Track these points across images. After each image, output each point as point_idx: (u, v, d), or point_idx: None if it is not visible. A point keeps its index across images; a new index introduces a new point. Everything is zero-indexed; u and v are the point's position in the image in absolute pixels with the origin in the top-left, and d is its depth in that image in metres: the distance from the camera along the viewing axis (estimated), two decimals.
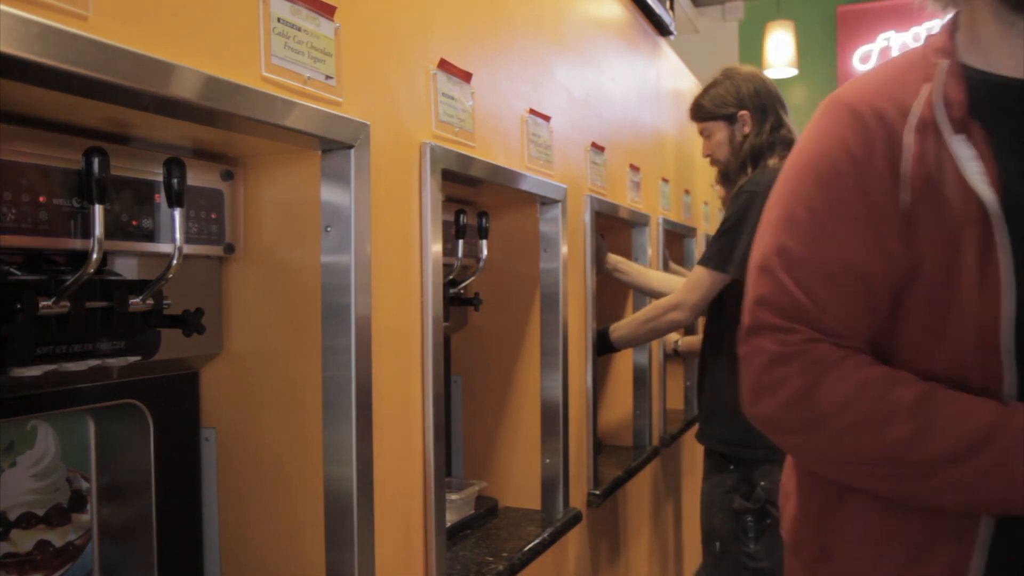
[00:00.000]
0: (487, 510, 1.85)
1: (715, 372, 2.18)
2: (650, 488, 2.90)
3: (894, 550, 0.98)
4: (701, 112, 2.25)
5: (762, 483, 2.06)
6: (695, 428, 2.28)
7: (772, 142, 2.14)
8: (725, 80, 2.22)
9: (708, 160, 2.29)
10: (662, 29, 3.10)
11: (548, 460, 1.94)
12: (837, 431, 0.92)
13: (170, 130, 1.02)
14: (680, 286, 2.15)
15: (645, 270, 2.49)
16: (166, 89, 0.86)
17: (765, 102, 2.17)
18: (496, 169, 1.60)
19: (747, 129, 2.16)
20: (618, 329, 2.25)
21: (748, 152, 2.14)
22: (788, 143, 2.15)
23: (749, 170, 2.13)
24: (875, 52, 5.50)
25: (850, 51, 5.56)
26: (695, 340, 2.94)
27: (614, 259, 2.41)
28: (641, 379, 2.76)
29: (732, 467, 2.11)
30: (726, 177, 2.21)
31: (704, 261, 2.08)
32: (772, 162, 2.13)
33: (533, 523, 1.85)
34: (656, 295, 2.36)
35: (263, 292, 1.22)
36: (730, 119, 2.18)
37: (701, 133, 2.27)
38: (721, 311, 2.13)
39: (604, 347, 2.26)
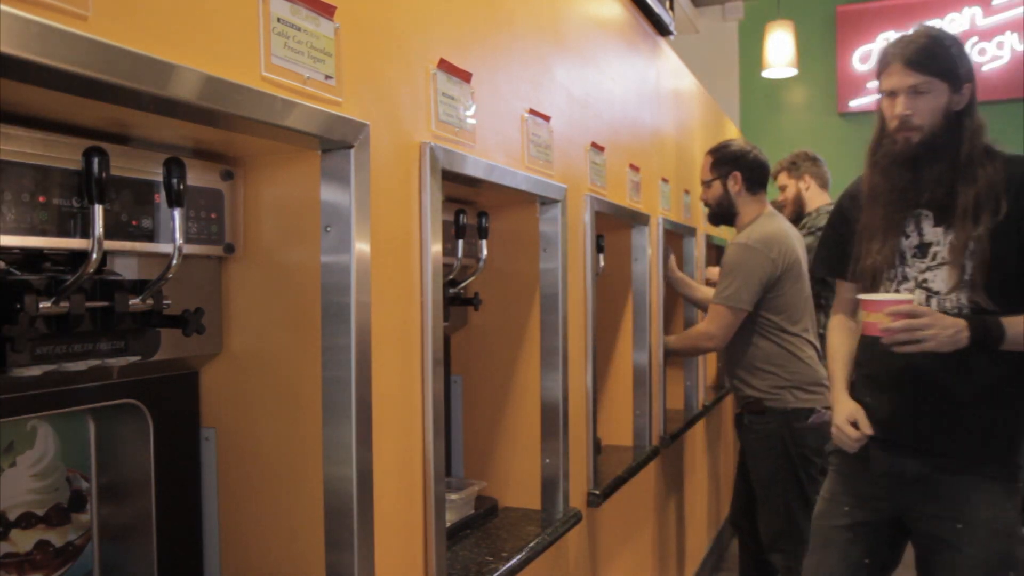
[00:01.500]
0: (487, 510, 1.85)
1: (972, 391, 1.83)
2: (650, 488, 2.90)
3: None
4: (936, 63, 1.83)
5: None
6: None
7: None
8: (951, 44, 1.86)
9: (896, 120, 1.85)
10: (662, 29, 3.10)
11: (548, 460, 1.94)
12: None
13: (170, 130, 1.02)
14: None
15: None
16: (166, 89, 0.86)
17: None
18: (496, 169, 1.60)
19: (963, 105, 1.85)
20: (1015, 326, 1.77)
21: (977, 131, 1.85)
22: None
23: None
24: (875, 52, 5.51)
25: (850, 51, 5.56)
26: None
27: None
28: (641, 379, 2.76)
29: (1020, 484, 1.85)
30: (934, 151, 1.84)
31: None
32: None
33: (533, 523, 1.85)
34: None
35: (263, 292, 1.22)
36: (956, 87, 1.84)
37: (916, 88, 1.83)
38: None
39: (986, 342, 1.76)
